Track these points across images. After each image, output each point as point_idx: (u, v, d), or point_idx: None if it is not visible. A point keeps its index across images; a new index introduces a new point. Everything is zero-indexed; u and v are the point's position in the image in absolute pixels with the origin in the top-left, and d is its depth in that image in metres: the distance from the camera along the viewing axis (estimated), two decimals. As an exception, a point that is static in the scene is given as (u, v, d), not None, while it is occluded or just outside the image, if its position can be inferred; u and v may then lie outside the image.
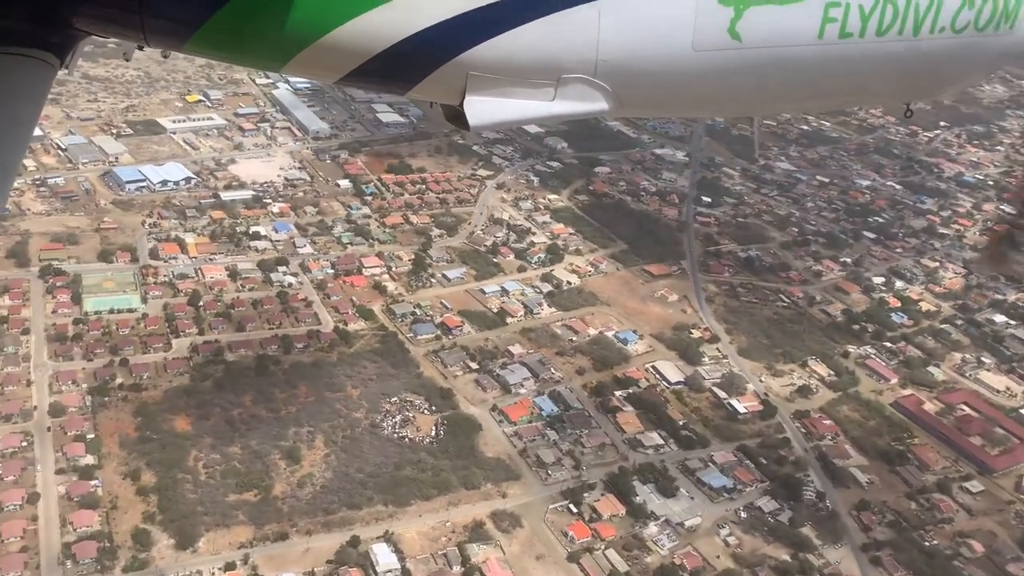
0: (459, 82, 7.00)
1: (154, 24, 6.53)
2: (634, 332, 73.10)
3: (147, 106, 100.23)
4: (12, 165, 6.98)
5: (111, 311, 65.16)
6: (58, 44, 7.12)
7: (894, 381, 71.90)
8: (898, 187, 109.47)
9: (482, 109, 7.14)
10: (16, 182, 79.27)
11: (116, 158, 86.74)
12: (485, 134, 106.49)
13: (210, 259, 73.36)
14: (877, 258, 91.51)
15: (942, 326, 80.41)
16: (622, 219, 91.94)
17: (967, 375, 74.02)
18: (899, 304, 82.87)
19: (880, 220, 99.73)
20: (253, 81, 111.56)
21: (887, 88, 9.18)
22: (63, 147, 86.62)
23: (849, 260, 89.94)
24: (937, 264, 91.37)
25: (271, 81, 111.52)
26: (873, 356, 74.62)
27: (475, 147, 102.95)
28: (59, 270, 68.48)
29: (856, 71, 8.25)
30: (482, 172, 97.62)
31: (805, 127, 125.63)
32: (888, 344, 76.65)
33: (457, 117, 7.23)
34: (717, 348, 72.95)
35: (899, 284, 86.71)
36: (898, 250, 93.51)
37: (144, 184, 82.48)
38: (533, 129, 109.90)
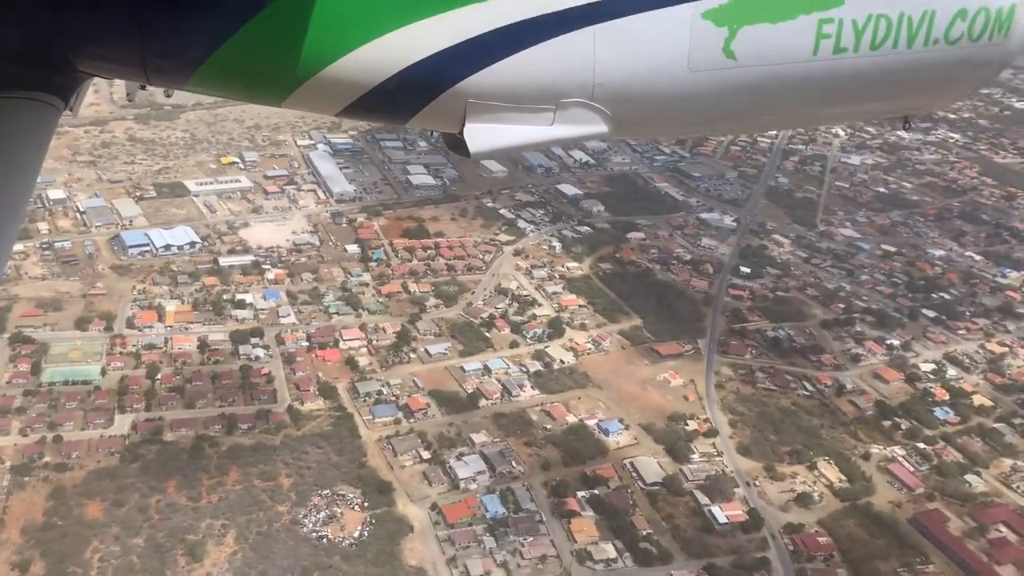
0: (458, 110, 7.21)
1: (156, 63, 6.68)
2: (620, 421, 66.28)
3: (181, 168, 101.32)
4: (17, 210, 6.91)
5: (66, 382, 63.98)
6: (61, 86, 7.23)
7: (920, 491, 62.07)
8: (977, 258, 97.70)
9: (482, 136, 7.32)
10: (23, 246, 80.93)
11: (130, 221, 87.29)
12: (517, 196, 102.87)
13: (185, 328, 71.66)
14: (933, 341, 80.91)
15: (996, 425, 69.59)
16: (643, 290, 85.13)
17: (1015, 487, 63.21)
18: (947, 396, 72.43)
19: (947, 296, 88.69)
20: (294, 142, 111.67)
21: (884, 101, 9.29)
22: (82, 210, 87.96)
23: (897, 343, 79.77)
24: (1006, 349, 79.98)
25: (312, 142, 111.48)
26: (900, 459, 64.87)
27: (503, 210, 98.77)
28: (29, 338, 68.18)
29: (852, 86, 8.36)
30: (503, 237, 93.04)
31: (882, 189, 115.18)
32: (922, 445, 66.62)
33: (458, 145, 7.40)
34: (713, 443, 65.09)
35: (952, 372, 76.05)
36: (961, 332, 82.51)
37: (147, 248, 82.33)
38: (570, 191, 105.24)
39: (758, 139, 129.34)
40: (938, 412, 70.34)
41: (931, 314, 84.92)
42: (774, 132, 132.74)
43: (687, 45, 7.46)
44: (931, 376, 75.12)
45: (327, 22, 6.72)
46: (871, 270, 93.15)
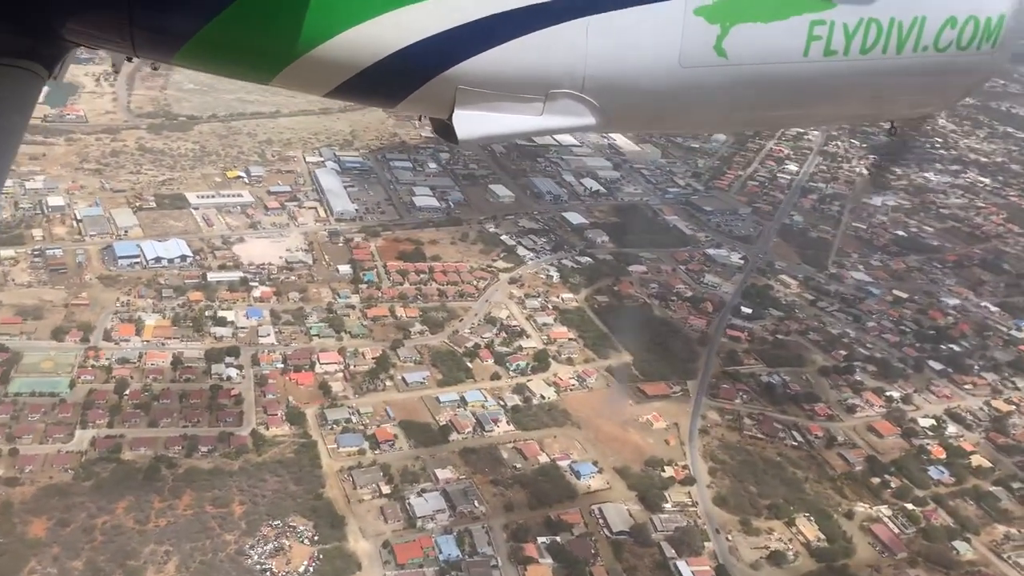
0: (448, 96, 7.28)
1: (143, 35, 6.67)
2: (594, 464, 63.98)
3: (185, 180, 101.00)
4: (1, 173, 6.86)
5: (32, 393, 63.23)
6: (46, 54, 7.27)
7: (902, 555, 58.95)
8: (994, 309, 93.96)
9: (471, 123, 7.40)
10: (14, 251, 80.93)
11: (125, 231, 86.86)
12: (521, 223, 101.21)
13: (162, 344, 70.69)
14: (936, 394, 77.56)
15: (992, 488, 66.30)
16: (637, 326, 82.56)
17: (1006, 557, 59.83)
18: (943, 455, 69.23)
19: (956, 348, 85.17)
20: (303, 158, 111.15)
21: (872, 106, 9.53)
22: (79, 218, 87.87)
23: (898, 395, 76.54)
24: (1012, 408, 76.39)
25: (321, 159, 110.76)
26: (885, 520, 61.85)
27: (504, 236, 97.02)
28: (2, 346, 67.65)
29: (841, 89, 8.53)
30: (500, 264, 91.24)
31: (901, 232, 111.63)
32: (911, 506, 63.50)
33: (446, 131, 7.53)
34: (689, 492, 62.51)
35: (952, 429, 72.72)
36: (967, 386, 79.02)
37: (137, 260, 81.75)
38: (576, 220, 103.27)
39: (777, 175, 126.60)
40: (932, 471, 67.19)
41: (937, 366, 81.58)
42: (794, 169, 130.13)
43: (679, 41, 7.51)
44: (929, 432, 71.86)
45: (318, 1, 6.69)
46: (879, 316, 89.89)
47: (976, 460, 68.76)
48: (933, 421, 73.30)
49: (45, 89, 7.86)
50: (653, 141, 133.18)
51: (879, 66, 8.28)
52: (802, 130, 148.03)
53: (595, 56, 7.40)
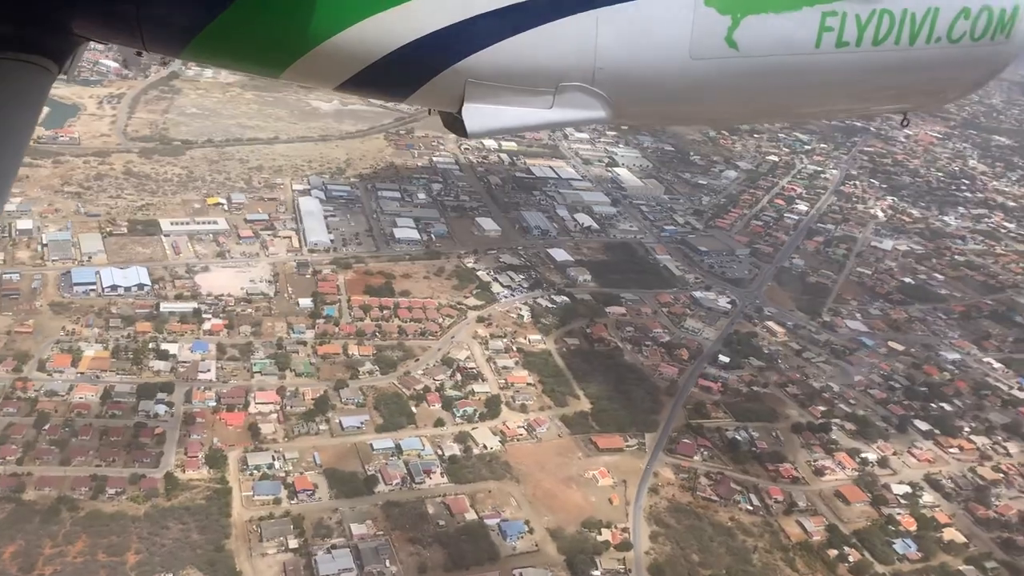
0: (457, 89, 7.37)
1: (152, 30, 6.79)
2: (525, 523, 59.99)
3: (164, 205, 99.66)
4: (9, 172, 7.10)
5: (-52, 425, 61.59)
6: (57, 49, 7.37)
7: (849, 642, 53.93)
8: (997, 365, 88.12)
9: (480, 116, 7.47)
10: (-29, 274, 79.90)
11: (89, 257, 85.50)
12: (503, 258, 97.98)
13: (96, 376, 68.56)
14: (917, 458, 72.21)
15: (963, 567, 60.88)
16: (604, 372, 78.68)
17: (967, 648, 54.43)
18: (913, 526, 63.93)
19: (947, 407, 79.60)
20: (290, 186, 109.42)
21: (884, 97, 9.51)
22: (45, 243, 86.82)
23: (874, 457, 71.34)
24: (1000, 476, 70.62)
25: (306, 187, 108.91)
26: (836, 600, 56.83)
27: (481, 272, 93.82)
28: (-72, 375, 66.33)
29: (853, 80, 8.50)
30: (471, 301, 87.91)
31: (908, 279, 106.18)
32: (868, 585, 58.36)
33: (455, 124, 7.59)
34: (623, 559, 58.15)
35: (928, 498, 67.40)
36: (952, 450, 73.53)
37: (93, 287, 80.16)
38: (560, 256, 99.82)
39: (785, 215, 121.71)
40: (898, 545, 62.10)
41: (924, 427, 76.26)
42: (804, 209, 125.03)
43: (689, 32, 7.53)
44: (902, 500, 66.65)
45: None
46: (869, 370, 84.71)
47: (949, 534, 63.34)
48: (908, 488, 67.99)
49: (55, 84, 7.67)
50: (656, 176, 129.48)
51: (891, 57, 8.21)
52: (819, 168, 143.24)
53: (605, 48, 7.38)
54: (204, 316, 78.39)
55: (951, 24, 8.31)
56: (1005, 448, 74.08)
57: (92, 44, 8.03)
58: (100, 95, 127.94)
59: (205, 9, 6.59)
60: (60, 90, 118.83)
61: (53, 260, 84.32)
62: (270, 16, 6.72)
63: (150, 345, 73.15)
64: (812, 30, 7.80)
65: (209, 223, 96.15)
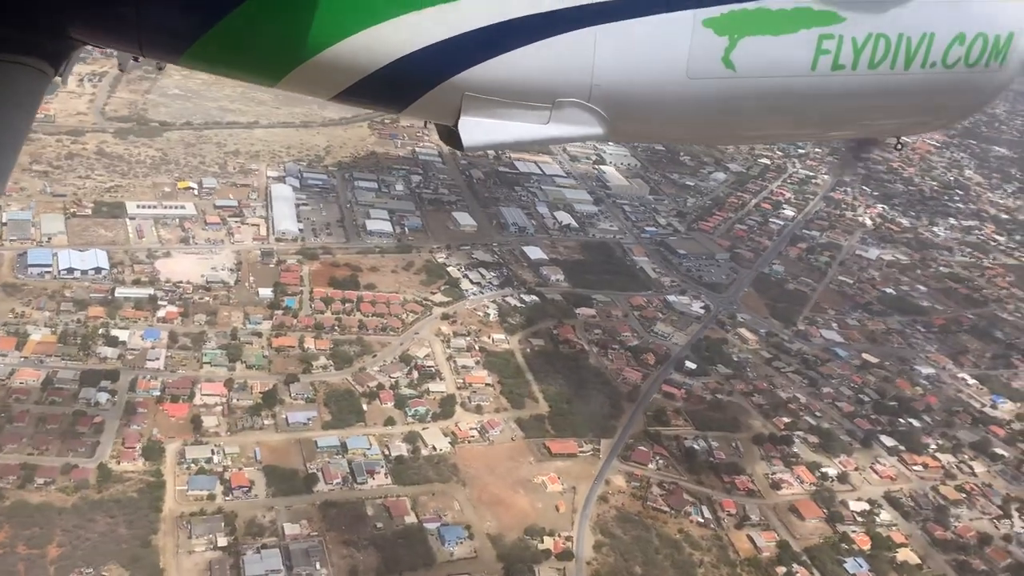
0: (454, 103, 7.42)
1: (150, 36, 6.82)
2: (465, 529, 58.37)
3: (133, 187, 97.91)
4: (3, 172, 7.02)
5: None
6: (53, 52, 7.39)
7: (789, 665, 52.23)
8: (971, 381, 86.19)
9: (477, 130, 7.50)
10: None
11: (48, 239, 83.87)
12: (475, 254, 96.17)
13: (40, 361, 67.07)
14: (879, 474, 70.41)
15: (916, 590, 58.96)
16: (566, 375, 76.95)
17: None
18: (867, 545, 62.14)
19: (916, 423, 77.70)
20: (265, 172, 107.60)
21: (879, 121, 9.55)
22: (4, 221, 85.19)
23: (834, 472, 69.54)
24: (962, 496, 68.84)
25: (281, 174, 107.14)
26: (779, 620, 55.12)
27: (452, 268, 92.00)
28: None
29: (849, 103, 8.57)
30: (438, 297, 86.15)
31: (890, 290, 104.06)
32: (814, 606, 56.69)
33: (452, 137, 7.66)
34: (563, 569, 56.52)
35: (886, 516, 65.74)
36: (916, 467, 71.81)
37: (48, 270, 78.59)
38: (535, 254, 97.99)
39: (770, 220, 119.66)
40: (849, 564, 60.54)
41: (889, 442, 74.47)
42: (790, 214, 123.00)
43: (687, 52, 7.62)
44: (858, 517, 64.92)
45: (326, 5, 6.75)
46: (839, 381, 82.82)
47: (904, 555, 61.69)
48: (867, 505, 66.23)
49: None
50: (643, 176, 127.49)
51: (887, 82, 8.31)
52: (811, 173, 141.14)
53: (603, 66, 7.44)
54: (160, 303, 76.75)
55: (946, 49, 8.34)
56: (971, 467, 72.26)
57: (89, 48, 7.93)
58: (82, 72, 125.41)
59: (204, 16, 6.58)
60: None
61: (11, 240, 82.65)
62: (269, 25, 6.70)
63: (100, 331, 71.54)
64: (809, 52, 7.84)
65: (177, 207, 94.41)
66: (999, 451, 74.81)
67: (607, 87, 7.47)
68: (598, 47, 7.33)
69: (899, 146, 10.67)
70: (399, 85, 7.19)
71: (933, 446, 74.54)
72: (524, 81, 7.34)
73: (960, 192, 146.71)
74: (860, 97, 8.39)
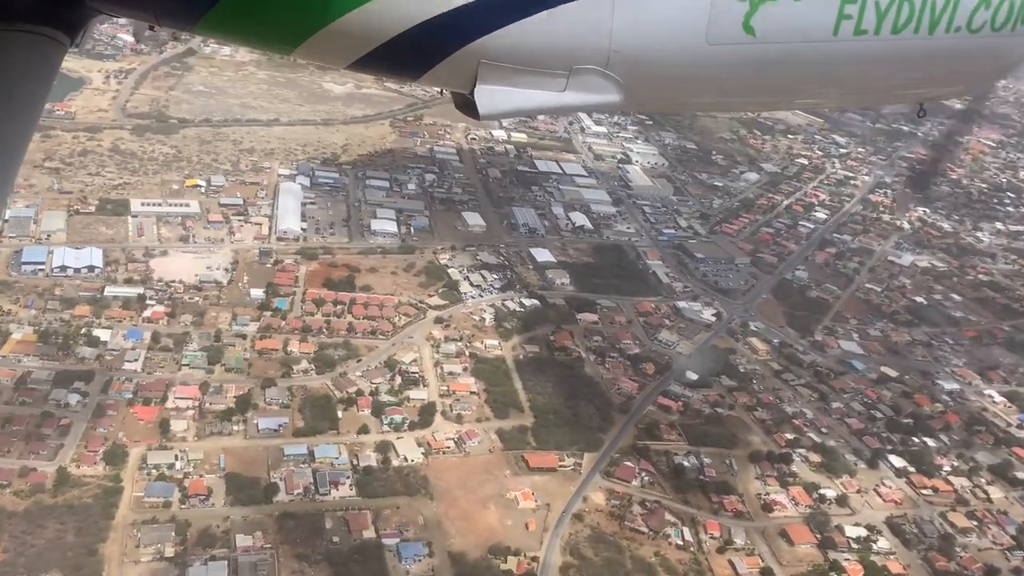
0: (470, 70, 7.28)
1: (165, 3, 6.82)
2: (426, 546, 56.02)
3: (141, 185, 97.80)
4: (21, 143, 7.04)
5: None
6: (69, 21, 7.29)
7: None
8: (999, 399, 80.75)
9: (493, 98, 7.35)
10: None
11: (47, 236, 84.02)
12: (480, 256, 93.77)
13: (18, 360, 66.73)
14: (883, 497, 66.12)
15: (908, 628, 54.74)
16: (557, 384, 74.03)
17: None
18: (860, 574, 58.27)
19: (931, 443, 72.86)
20: (277, 170, 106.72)
21: (902, 87, 9.33)
22: (5, 218, 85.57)
23: (833, 494, 65.37)
24: (973, 524, 64.09)
25: (293, 172, 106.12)
26: (752, 656, 51.56)
27: (453, 270, 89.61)
28: None
29: (871, 69, 8.40)
30: (434, 300, 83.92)
31: (920, 299, 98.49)
32: (793, 641, 52.93)
33: (467, 106, 7.53)
34: (524, 593, 53.79)
35: (884, 544, 61.56)
36: (925, 491, 67.31)
37: (42, 267, 78.57)
38: (542, 256, 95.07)
39: (800, 223, 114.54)
40: (838, 597, 56.12)
41: (899, 463, 69.77)
42: (822, 217, 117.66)
43: (706, 18, 7.41)
44: (854, 544, 60.80)
45: None
46: (852, 396, 78.21)
47: (901, 588, 57.34)
48: (864, 531, 62.00)
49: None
50: (669, 176, 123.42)
51: (910, 47, 8.07)
52: (850, 174, 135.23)
53: (620, 32, 7.25)
54: (148, 302, 76.02)
55: (971, 13, 8.19)
56: (986, 493, 67.32)
57: (109, 19, 7.80)
58: (109, 69, 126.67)
59: None
60: (70, 63, 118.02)
61: (9, 237, 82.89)
62: None
63: (83, 331, 70.97)
64: (831, 17, 7.69)
65: (181, 205, 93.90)
66: (1021, 475, 69.54)
67: (625, 54, 7.33)
68: (616, 13, 7.21)
69: (922, 112, 10.48)
70: (415, 52, 7.10)
71: (947, 468, 69.72)
72: (541, 48, 7.23)
73: (1012, 195, 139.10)
74: (883, 63, 8.25)
